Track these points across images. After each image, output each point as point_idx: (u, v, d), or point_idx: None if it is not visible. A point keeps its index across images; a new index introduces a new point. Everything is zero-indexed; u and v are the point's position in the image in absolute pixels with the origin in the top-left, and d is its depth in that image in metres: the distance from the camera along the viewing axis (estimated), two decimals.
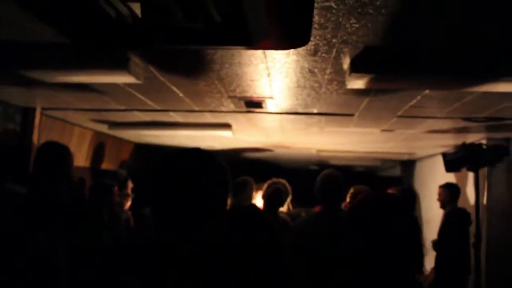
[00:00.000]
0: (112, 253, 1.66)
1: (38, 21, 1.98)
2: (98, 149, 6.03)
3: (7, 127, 4.18)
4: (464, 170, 5.37)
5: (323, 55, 2.41)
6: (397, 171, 9.81)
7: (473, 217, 4.88)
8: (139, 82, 2.84)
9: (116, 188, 3.92)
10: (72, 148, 5.12)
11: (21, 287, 2.24)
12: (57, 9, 1.53)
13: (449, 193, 5.32)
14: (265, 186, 4.05)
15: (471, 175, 5.44)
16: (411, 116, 4.07)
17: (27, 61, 2.68)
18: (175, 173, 1.46)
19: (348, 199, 5.12)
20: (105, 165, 6.32)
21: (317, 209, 4.26)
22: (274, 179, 4.08)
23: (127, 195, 4.46)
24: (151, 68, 2.79)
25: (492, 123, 4.18)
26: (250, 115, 4.29)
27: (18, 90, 3.63)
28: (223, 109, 4.06)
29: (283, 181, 4.06)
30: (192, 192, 1.44)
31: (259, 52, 2.39)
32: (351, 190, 5.18)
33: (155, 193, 1.48)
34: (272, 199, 3.87)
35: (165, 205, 1.46)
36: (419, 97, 3.31)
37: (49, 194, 2.84)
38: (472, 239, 4.77)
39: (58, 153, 3.45)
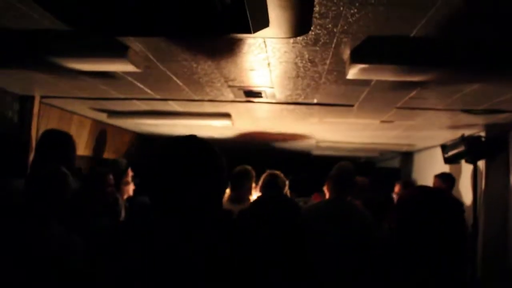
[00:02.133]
0: (109, 242, 1.65)
1: (38, 8, 1.97)
2: (98, 138, 6.03)
3: (5, 115, 4.17)
4: (461, 162, 5.40)
5: (324, 45, 2.40)
6: (396, 162, 9.82)
7: (470, 208, 4.91)
8: (138, 70, 2.84)
9: (110, 176, 3.89)
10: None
11: (41, 275, 2.26)
12: None
13: (444, 183, 5.31)
14: (262, 178, 4.07)
15: (467, 167, 5.46)
16: (411, 108, 4.07)
17: (25, 47, 2.67)
18: (170, 161, 1.48)
19: None
20: (106, 154, 6.32)
21: (315, 198, 4.28)
22: (269, 171, 4.10)
23: (127, 183, 4.45)
24: (151, 56, 2.78)
25: (491, 116, 4.18)
26: (250, 104, 4.29)
27: (16, 78, 3.62)
28: (223, 98, 4.05)
29: (278, 172, 4.09)
30: (187, 178, 1.45)
31: (260, 42, 2.39)
32: None
33: (152, 181, 1.49)
34: (269, 187, 3.89)
35: (162, 193, 1.48)
36: (418, 89, 3.30)
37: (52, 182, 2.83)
38: (469, 230, 4.79)
39: (60, 141, 3.46)
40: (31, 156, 4.24)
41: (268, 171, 4.07)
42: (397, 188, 5.75)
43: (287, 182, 4.06)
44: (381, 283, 1.88)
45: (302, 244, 2.18)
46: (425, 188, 2.02)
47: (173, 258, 1.44)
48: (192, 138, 1.55)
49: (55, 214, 2.52)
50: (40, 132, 3.94)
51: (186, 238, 1.46)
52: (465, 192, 5.60)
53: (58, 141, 3.47)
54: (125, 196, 4.43)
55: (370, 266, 3.13)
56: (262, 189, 3.97)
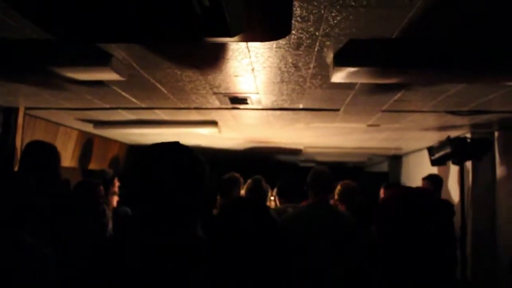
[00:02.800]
0: (97, 251, 1.63)
1: (18, 16, 1.96)
2: (84, 149, 5.98)
3: None
4: (448, 163, 5.43)
5: (306, 48, 2.41)
6: (384, 167, 9.86)
7: (458, 210, 4.93)
8: (122, 79, 2.83)
9: (101, 187, 3.88)
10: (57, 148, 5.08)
11: None
12: (43, 7, 1.51)
13: (432, 185, 5.32)
14: (247, 183, 4.11)
15: (454, 169, 5.49)
16: (396, 111, 4.09)
17: (8, 58, 2.65)
18: (153, 168, 1.47)
19: (336, 196, 5.13)
20: (92, 165, 6.28)
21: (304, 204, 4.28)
22: (253, 177, 4.14)
23: (113, 194, 4.43)
24: (134, 64, 2.77)
25: (476, 116, 4.21)
26: (236, 111, 4.29)
27: None
28: (209, 106, 4.05)
29: (260, 177, 4.13)
30: (169, 186, 1.44)
31: (243, 47, 2.39)
32: (338, 187, 5.18)
33: (136, 189, 1.48)
34: (253, 192, 3.93)
35: (143, 201, 1.46)
36: (403, 91, 3.32)
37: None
38: (457, 232, 4.81)
39: (44, 152, 3.42)
40: (16, 168, 4.20)
41: (253, 177, 4.10)
42: (381, 192, 5.75)
43: (269, 188, 4.10)
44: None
45: (274, 246, 2.16)
46: (406, 188, 2.01)
47: (156, 268, 1.42)
48: (175, 145, 1.55)
49: (22, 225, 2.36)
50: (25, 144, 3.90)
51: (169, 246, 1.45)
52: (454, 193, 5.63)
53: (42, 152, 3.43)
54: (111, 207, 4.41)
55: (354, 270, 3.13)
56: (247, 195, 3.99)
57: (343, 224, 3.42)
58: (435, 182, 5.30)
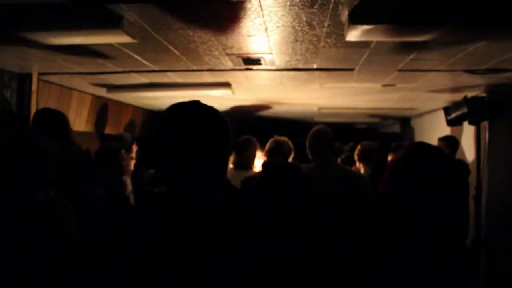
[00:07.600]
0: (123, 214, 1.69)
1: None
2: (99, 113, 6.00)
3: (4, 95, 4.15)
4: (463, 124, 5.38)
5: (321, 6, 2.35)
6: (396, 128, 9.79)
7: (473, 170, 4.89)
8: (134, 41, 2.81)
9: (122, 152, 3.91)
10: (72, 113, 5.11)
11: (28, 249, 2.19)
12: None
13: (448, 146, 5.26)
14: (268, 143, 4.05)
15: (468, 130, 5.44)
16: (412, 70, 4.02)
17: (20, 23, 2.64)
18: (177, 127, 1.47)
19: (356, 156, 5.15)
20: (108, 130, 6.30)
21: None
22: (276, 137, 4.07)
23: (131, 159, 4.47)
24: (146, 26, 2.74)
25: (494, 75, 4.12)
26: (249, 72, 4.25)
27: (12, 56, 3.59)
28: (222, 67, 4.01)
29: (285, 138, 4.05)
30: (194, 144, 1.44)
31: (255, 5, 2.34)
32: (358, 147, 5.20)
33: (158, 149, 1.48)
34: (274, 154, 3.89)
35: (169, 161, 1.46)
36: (420, 50, 3.25)
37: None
38: (472, 192, 4.78)
39: (52, 118, 3.46)
40: None
41: (274, 138, 4.04)
42: (390, 155, 5.70)
43: (292, 148, 4.06)
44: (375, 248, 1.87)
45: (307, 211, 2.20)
46: (420, 146, 1.95)
47: (182, 228, 1.44)
48: (196, 104, 1.55)
49: (34, 184, 2.28)
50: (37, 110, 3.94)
51: (193, 205, 1.47)
52: (468, 153, 5.59)
53: (51, 119, 3.47)
54: (130, 172, 4.45)
55: (362, 229, 3.15)
56: (267, 155, 3.96)
57: (349, 180, 3.40)
58: (451, 143, 5.24)
